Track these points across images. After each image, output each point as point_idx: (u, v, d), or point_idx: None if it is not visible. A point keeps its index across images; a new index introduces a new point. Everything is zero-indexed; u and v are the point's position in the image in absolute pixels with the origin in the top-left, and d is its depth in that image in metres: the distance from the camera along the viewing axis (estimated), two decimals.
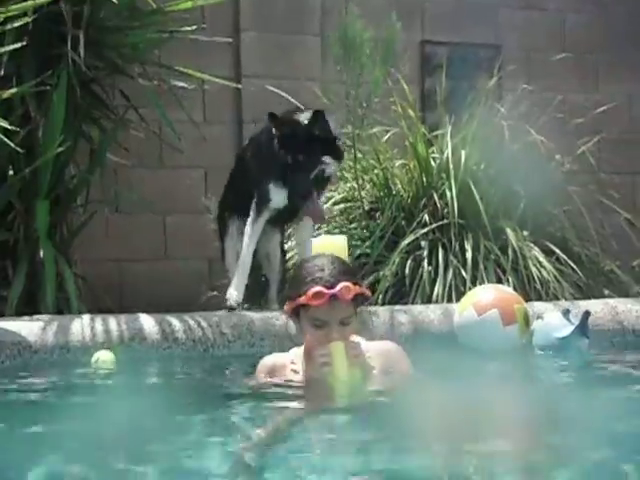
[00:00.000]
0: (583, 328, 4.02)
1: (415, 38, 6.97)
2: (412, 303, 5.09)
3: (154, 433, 2.64)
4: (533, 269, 5.29)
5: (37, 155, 5.00)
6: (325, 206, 5.53)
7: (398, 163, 5.84)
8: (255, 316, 4.38)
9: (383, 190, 5.74)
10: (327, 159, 4.52)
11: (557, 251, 5.56)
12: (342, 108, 5.57)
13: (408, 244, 5.39)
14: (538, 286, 5.23)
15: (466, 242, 5.37)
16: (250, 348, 4.19)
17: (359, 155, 5.70)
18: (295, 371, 3.15)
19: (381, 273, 5.27)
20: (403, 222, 5.58)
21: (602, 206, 6.18)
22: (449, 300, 5.04)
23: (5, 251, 5.13)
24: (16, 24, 4.65)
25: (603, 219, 6.19)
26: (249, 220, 4.74)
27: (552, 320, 4.11)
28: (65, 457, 2.41)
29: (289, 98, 5.90)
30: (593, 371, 3.92)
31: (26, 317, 4.29)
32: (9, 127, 4.51)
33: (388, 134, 5.87)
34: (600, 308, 4.64)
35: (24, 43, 4.77)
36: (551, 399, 3.17)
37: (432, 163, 5.71)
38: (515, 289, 4.75)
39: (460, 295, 4.70)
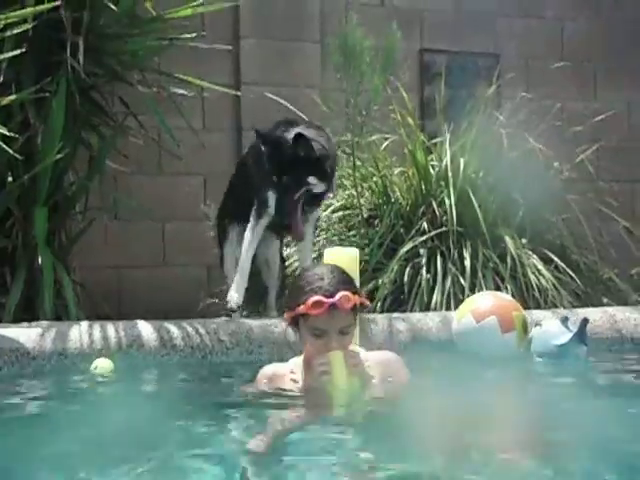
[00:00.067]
0: (581, 335, 4.02)
1: (414, 47, 7.00)
2: (410, 311, 5.08)
3: (152, 440, 2.63)
4: (531, 277, 5.29)
5: (36, 162, 5.00)
6: (324, 214, 5.55)
7: (397, 171, 5.85)
8: (254, 323, 4.38)
9: (382, 198, 5.74)
10: (312, 180, 4.53)
11: (556, 259, 5.56)
12: (341, 116, 5.58)
13: (407, 252, 5.39)
14: (536, 294, 5.23)
15: (465, 250, 5.37)
16: (248, 355, 4.19)
17: (358, 163, 5.71)
18: (294, 380, 3.15)
19: (380, 281, 5.27)
20: (402, 230, 5.58)
21: (601, 214, 6.18)
22: (447, 308, 5.04)
23: (3, 258, 5.13)
24: (16, 31, 4.66)
25: (602, 227, 6.20)
26: (249, 226, 4.75)
27: (550, 327, 4.11)
28: (62, 463, 2.41)
29: (288, 105, 5.91)
30: (591, 378, 3.92)
31: (24, 324, 4.29)
32: (8, 134, 4.51)
33: (387, 142, 5.87)
34: (599, 316, 4.64)
35: (24, 50, 4.77)
36: (548, 405, 3.17)
37: (431, 171, 5.72)
38: (513, 297, 4.74)
39: (458, 303, 4.69)
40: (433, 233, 5.47)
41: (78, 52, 4.82)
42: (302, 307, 3.02)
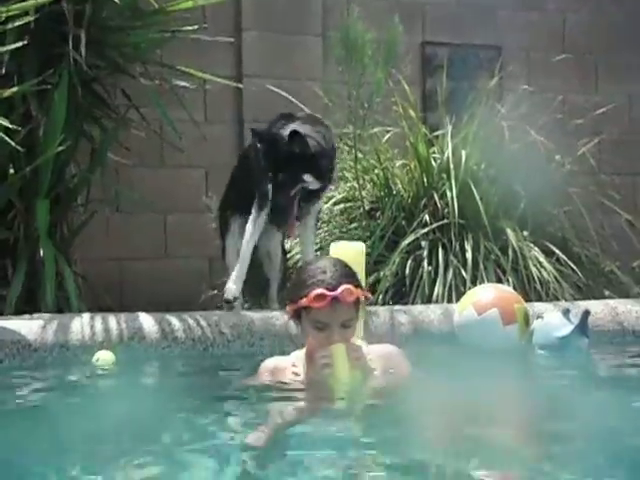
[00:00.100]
0: (583, 327, 4.02)
1: (416, 39, 6.99)
2: (412, 303, 5.09)
3: (153, 433, 2.64)
4: (533, 269, 5.29)
5: (38, 154, 5.00)
6: (325, 206, 5.55)
7: (399, 163, 5.85)
8: (255, 316, 4.38)
9: (383, 190, 5.74)
10: (308, 177, 4.54)
11: (557, 252, 5.56)
12: (343, 108, 5.58)
13: (408, 244, 5.39)
14: (538, 287, 5.23)
15: (466, 242, 5.37)
16: (250, 348, 4.19)
17: (360, 155, 5.71)
18: (296, 373, 3.16)
19: (381, 273, 5.27)
20: (403, 222, 5.58)
21: (602, 207, 6.18)
22: (449, 300, 5.04)
23: (5, 250, 5.14)
24: (18, 23, 4.66)
25: (603, 220, 6.19)
26: (251, 217, 4.76)
27: (552, 319, 4.11)
28: (63, 455, 2.42)
29: (290, 98, 5.91)
30: (592, 370, 3.93)
31: (26, 316, 4.29)
32: (10, 126, 4.51)
33: (389, 134, 5.87)
34: (600, 309, 4.64)
35: (25, 42, 4.77)
36: (550, 398, 3.17)
37: (433, 163, 5.72)
38: (515, 289, 4.75)
39: (460, 295, 4.69)
40: (435, 225, 5.47)
41: (80, 44, 4.81)
42: (304, 300, 3.02)
